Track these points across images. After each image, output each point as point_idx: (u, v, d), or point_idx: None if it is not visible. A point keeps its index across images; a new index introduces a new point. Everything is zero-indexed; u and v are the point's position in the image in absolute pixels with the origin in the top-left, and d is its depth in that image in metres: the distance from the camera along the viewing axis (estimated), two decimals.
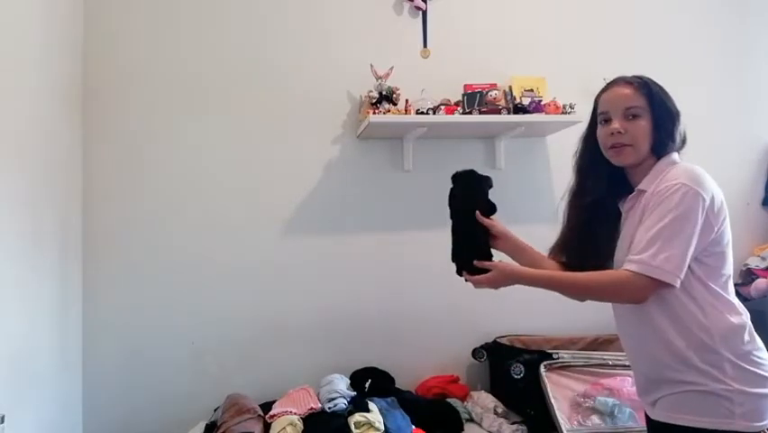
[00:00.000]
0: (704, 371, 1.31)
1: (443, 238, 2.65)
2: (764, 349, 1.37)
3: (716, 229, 1.34)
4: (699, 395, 1.32)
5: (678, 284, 1.29)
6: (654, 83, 1.45)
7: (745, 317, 1.37)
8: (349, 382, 2.32)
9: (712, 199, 1.32)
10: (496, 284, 1.49)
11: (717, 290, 1.35)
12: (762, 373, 1.32)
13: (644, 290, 1.31)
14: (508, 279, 1.47)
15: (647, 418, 1.47)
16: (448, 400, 2.34)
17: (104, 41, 2.46)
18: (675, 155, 1.44)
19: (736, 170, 2.93)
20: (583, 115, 2.49)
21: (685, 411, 1.33)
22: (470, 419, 2.27)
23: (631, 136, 1.40)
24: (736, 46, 2.99)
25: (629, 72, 1.46)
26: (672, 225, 1.29)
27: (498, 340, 2.49)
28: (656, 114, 1.40)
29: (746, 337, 1.34)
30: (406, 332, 2.57)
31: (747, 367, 1.31)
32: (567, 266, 1.52)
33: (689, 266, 1.31)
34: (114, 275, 2.40)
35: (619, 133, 1.40)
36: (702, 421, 1.30)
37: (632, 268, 1.30)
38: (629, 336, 1.48)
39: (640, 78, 1.46)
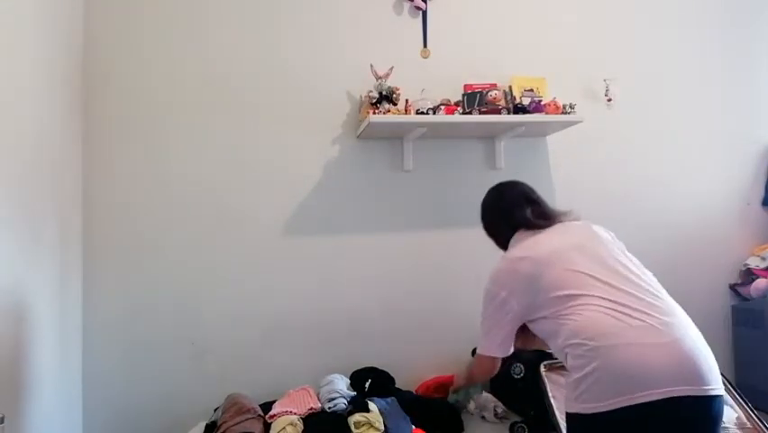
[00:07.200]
0: None
1: (442, 238, 2.68)
2: None
3: None
4: None
5: None
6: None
7: None
8: (349, 382, 2.32)
9: None
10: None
11: None
12: None
13: None
14: None
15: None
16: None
17: (105, 41, 2.46)
18: None
19: (736, 170, 2.94)
20: (583, 114, 2.52)
21: None
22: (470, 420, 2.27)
23: None
24: (735, 47, 3.00)
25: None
26: None
27: None
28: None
29: None
30: (407, 332, 2.57)
31: None
32: None
33: None
34: (114, 275, 2.40)
35: None
36: None
37: None
38: None
39: None
